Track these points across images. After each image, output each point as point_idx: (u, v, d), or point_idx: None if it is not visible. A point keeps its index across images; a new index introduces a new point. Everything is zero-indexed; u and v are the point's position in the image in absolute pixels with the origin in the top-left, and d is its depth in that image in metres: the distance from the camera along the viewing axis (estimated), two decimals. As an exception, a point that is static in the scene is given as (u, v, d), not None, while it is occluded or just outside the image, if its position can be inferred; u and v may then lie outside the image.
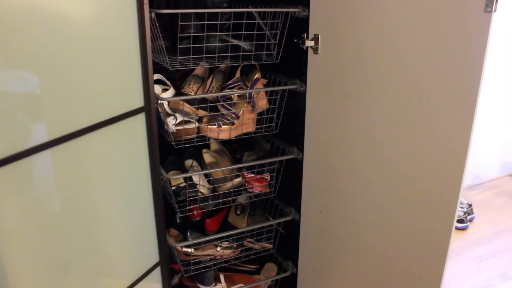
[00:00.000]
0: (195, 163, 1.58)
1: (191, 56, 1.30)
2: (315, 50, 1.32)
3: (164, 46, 1.24)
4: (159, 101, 1.30)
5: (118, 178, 1.15)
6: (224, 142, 1.68)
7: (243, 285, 1.65)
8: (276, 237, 1.66)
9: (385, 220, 1.19)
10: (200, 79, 1.48)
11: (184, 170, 1.55)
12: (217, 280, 1.69)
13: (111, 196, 1.14)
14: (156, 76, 1.40)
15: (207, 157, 1.61)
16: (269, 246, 1.64)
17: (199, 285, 1.66)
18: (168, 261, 1.36)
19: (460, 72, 0.91)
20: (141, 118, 1.17)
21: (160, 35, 1.21)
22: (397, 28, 1.04)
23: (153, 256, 1.32)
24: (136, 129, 1.17)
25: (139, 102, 1.16)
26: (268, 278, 1.66)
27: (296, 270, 1.64)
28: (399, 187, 1.12)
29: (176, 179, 1.51)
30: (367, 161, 1.21)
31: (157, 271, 1.34)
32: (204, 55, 1.32)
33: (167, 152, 1.68)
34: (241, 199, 1.72)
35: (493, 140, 2.89)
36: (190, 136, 1.36)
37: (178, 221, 1.61)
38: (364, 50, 1.15)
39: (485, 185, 2.93)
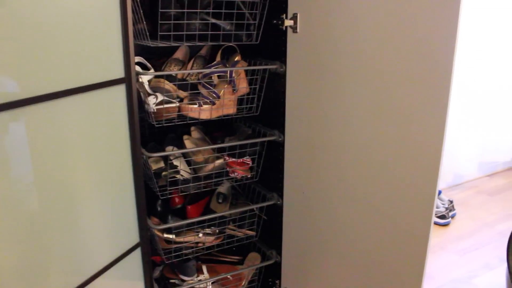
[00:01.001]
0: (175, 149, 1.56)
1: (171, 33, 1.30)
2: (294, 29, 1.35)
3: (144, 21, 1.25)
4: (140, 80, 1.30)
5: (97, 151, 1.13)
6: (205, 131, 1.67)
7: (225, 274, 1.61)
8: (259, 224, 1.64)
9: (366, 204, 1.19)
10: (180, 63, 1.49)
11: (165, 156, 1.54)
12: (200, 271, 1.65)
13: (89, 169, 1.12)
14: (137, 59, 1.40)
15: (188, 144, 1.59)
16: (252, 233, 1.62)
17: (181, 276, 1.62)
18: (148, 243, 1.32)
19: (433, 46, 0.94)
20: (121, 90, 1.16)
21: (142, 12, 1.21)
22: (375, 6, 1.07)
23: (133, 236, 1.29)
24: (116, 100, 1.16)
25: (119, 72, 1.15)
26: (252, 266, 1.63)
27: (280, 259, 1.62)
28: (379, 170, 1.13)
29: (157, 163, 1.49)
30: (347, 142, 1.21)
31: (137, 253, 1.30)
32: (184, 32, 1.32)
33: (147, 138, 1.67)
34: (223, 188, 1.70)
35: (471, 141, 2.94)
36: (171, 116, 1.35)
37: (159, 209, 1.58)
38: (343, 29, 1.17)
39: (464, 185, 2.97)
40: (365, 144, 1.15)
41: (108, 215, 1.20)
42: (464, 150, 2.92)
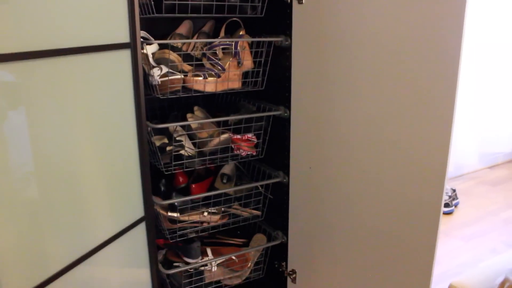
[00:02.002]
0: (179, 128, 1.53)
1: (176, 1, 1.29)
2: (300, 0, 1.33)
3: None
4: (144, 51, 1.28)
5: (101, 118, 1.10)
6: (208, 112, 1.65)
7: (230, 254, 1.58)
8: (264, 203, 1.61)
9: (376, 181, 1.17)
10: (184, 38, 1.47)
11: (168, 135, 1.51)
12: (204, 254, 1.61)
13: (93, 136, 1.09)
14: (141, 34, 1.38)
15: (192, 121, 1.57)
16: (258, 212, 1.59)
17: (185, 258, 1.58)
18: (153, 217, 1.29)
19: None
20: (126, 56, 1.14)
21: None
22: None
23: (138, 210, 1.26)
24: (121, 66, 1.13)
25: (124, 37, 1.13)
26: (257, 247, 1.59)
27: (287, 239, 1.58)
28: (388, 146, 1.11)
29: (160, 140, 1.46)
30: (356, 117, 1.19)
31: (142, 227, 1.27)
32: (189, 1, 1.31)
33: (149, 119, 1.65)
34: (227, 169, 1.67)
35: (472, 133, 2.94)
36: (176, 87, 1.33)
37: (162, 188, 1.54)
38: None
39: (465, 176, 2.96)
40: (375, 119, 1.13)
41: (112, 187, 1.17)
42: (465, 142, 2.92)
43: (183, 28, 1.48)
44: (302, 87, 1.37)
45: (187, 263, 1.57)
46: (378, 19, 1.07)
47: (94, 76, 1.06)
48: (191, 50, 1.46)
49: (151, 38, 1.38)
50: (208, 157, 1.43)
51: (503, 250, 2.05)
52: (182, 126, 1.51)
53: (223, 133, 1.44)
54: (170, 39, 1.43)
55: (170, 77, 1.30)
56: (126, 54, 1.14)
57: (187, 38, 1.48)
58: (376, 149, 1.15)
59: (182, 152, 1.42)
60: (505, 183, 2.85)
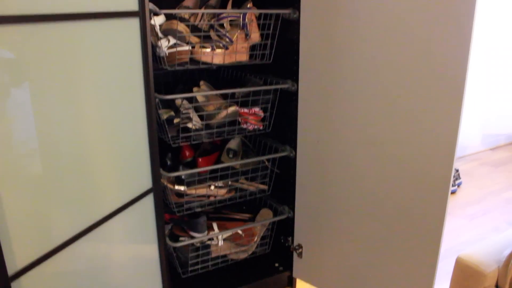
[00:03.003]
0: (185, 101, 1.53)
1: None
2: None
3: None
4: (152, 22, 1.26)
5: (109, 87, 1.09)
6: (215, 86, 1.64)
7: (236, 228, 1.58)
8: (271, 178, 1.61)
9: (385, 152, 1.17)
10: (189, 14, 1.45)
11: (175, 108, 1.50)
12: (210, 229, 1.61)
13: (101, 104, 1.08)
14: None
15: (199, 95, 1.56)
16: (264, 187, 1.59)
17: (191, 233, 1.58)
18: (161, 189, 1.29)
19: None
20: (135, 24, 1.13)
21: None
22: None
23: (146, 181, 1.25)
24: (129, 35, 1.12)
25: (133, 5, 1.11)
26: (264, 221, 1.60)
27: (293, 214, 1.59)
28: (399, 119, 1.10)
29: (167, 113, 1.45)
30: (367, 89, 1.18)
31: (150, 198, 1.27)
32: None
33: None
34: (233, 144, 1.67)
35: (475, 114, 2.94)
36: (183, 59, 1.31)
37: (169, 163, 1.54)
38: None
39: (467, 157, 2.96)
40: (385, 92, 1.13)
41: (120, 158, 1.16)
42: (468, 123, 2.92)
43: (190, 1, 1.46)
44: (311, 60, 1.36)
45: (193, 238, 1.58)
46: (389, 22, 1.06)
47: (103, 44, 1.05)
48: (199, 22, 1.44)
49: (157, 9, 1.37)
50: (215, 130, 1.42)
51: (506, 228, 2.06)
52: (189, 100, 1.50)
53: (230, 106, 1.43)
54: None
55: (178, 49, 1.29)
56: (134, 22, 1.12)
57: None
58: (386, 122, 1.15)
59: (189, 125, 1.41)
60: (507, 164, 2.86)
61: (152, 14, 1.25)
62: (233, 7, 1.47)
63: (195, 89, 1.55)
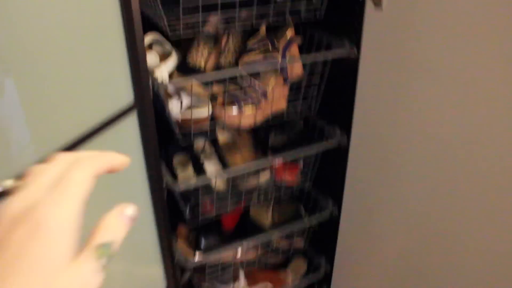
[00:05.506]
0: (207, 145, 1.23)
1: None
2: (377, 2, 0.92)
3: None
4: (156, 76, 0.93)
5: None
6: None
7: (267, 283, 1.38)
8: (309, 233, 1.36)
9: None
10: (211, 39, 1.08)
11: (192, 154, 1.21)
12: (236, 278, 1.42)
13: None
14: (151, 36, 1.01)
15: (222, 136, 1.25)
16: (300, 245, 1.35)
17: (217, 284, 1.39)
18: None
19: None
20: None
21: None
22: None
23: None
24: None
25: None
26: (295, 277, 1.39)
27: (331, 268, 1.36)
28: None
29: (183, 167, 1.17)
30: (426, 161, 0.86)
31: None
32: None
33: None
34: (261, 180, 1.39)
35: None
36: (202, 128, 1.00)
37: (188, 216, 1.29)
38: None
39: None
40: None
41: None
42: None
43: (209, 24, 1.08)
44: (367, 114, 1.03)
45: (217, 288, 1.39)
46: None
47: None
48: (221, 58, 1.08)
49: (165, 41, 1.01)
50: (243, 197, 1.15)
51: None
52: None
53: (263, 170, 1.13)
54: (193, 45, 1.06)
55: (194, 115, 0.96)
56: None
57: (216, 38, 1.09)
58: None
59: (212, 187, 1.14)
60: None
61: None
62: (267, 30, 1.09)
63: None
